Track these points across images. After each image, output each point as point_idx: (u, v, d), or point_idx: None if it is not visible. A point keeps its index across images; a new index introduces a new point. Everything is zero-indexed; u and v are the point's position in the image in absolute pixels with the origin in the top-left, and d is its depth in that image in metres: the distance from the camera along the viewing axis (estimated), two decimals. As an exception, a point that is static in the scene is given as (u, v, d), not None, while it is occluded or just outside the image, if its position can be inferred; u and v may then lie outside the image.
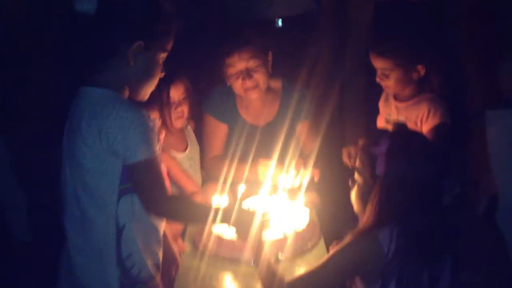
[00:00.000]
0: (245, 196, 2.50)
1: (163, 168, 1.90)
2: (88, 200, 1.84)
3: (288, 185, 2.52)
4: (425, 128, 2.51)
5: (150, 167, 1.81)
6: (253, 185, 2.65)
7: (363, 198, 1.89)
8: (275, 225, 2.27)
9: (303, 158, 2.69)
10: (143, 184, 1.82)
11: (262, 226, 1.96)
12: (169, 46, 1.94)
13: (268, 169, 2.63)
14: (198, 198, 2.67)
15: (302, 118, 2.89)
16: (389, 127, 2.60)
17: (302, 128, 2.91)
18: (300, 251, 2.28)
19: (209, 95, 2.91)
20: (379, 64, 2.56)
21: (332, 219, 2.52)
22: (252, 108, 2.88)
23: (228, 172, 2.73)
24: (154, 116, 2.43)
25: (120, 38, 1.84)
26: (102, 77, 1.86)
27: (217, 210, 1.89)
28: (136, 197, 1.85)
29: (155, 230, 1.95)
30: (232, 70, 2.70)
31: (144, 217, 1.88)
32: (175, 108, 2.68)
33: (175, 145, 2.80)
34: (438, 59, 2.62)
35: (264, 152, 2.81)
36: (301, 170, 2.57)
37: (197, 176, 2.88)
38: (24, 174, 3.39)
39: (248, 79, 2.69)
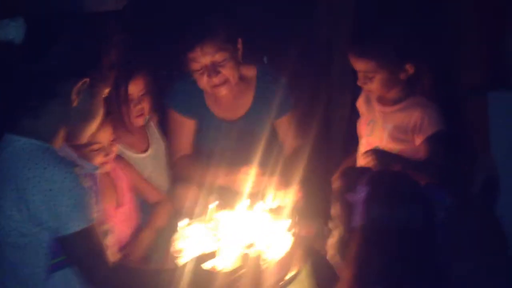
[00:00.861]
0: (220, 207, 2.24)
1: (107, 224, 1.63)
2: (12, 277, 1.57)
3: (267, 206, 2.23)
4: (419, 138, 2.19)
5: (86, 237, 1.53)
6: (228, 193, 2.39)
7: (340, 251, 1.62)
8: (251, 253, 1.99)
9: (284, 172, 2.38)
10: (78, 257, 1.55)
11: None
12: (113, 79, 1.66)
13: (250, 178, 2.35)
14: (166, 207, 2.44)
15: (281, 111, 2.55)
16: (373, 136, 2.30)
17: (281, 124, 2.59)
18: (281, 284, 1.97)
19: (173, 87, 2.56)
20: (360, 66, 2.19)
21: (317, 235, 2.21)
22: (222, 100, 2.53)
23: (200, 176, 2.46)
24: (107, 134, 2.13)
25: (63, 76, 1.53)
26: (32, 121, 1.55)
27: (171, 272, 1.65)
28: (72, 271, 1.58)
29: None
30: (195, 66, 2.33)
31: None
32: (135, 106, 2.43)
33: (135, 145, 2.52)
34: (428, 53, 2.25)
35: (238, 150, 2.52)
36: (282, 191, 2.29)
37: (163, 178, 2.60)
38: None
39: (215, 76, 2.33)
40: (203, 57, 2.30)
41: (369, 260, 1.52)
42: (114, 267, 1.59)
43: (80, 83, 1.54)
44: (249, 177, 2.36)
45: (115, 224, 2.17)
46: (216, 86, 2.37)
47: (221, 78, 2.35)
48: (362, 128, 2.37)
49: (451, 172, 2.24)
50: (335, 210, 1.62)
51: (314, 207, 2.41)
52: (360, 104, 2.43)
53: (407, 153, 2.20)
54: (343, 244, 1.60)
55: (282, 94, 2.53)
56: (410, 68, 2.17)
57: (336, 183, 1.63)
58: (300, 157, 2.49)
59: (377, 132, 2.29)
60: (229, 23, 2.36)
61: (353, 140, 2.46)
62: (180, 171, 2.59)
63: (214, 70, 2.32)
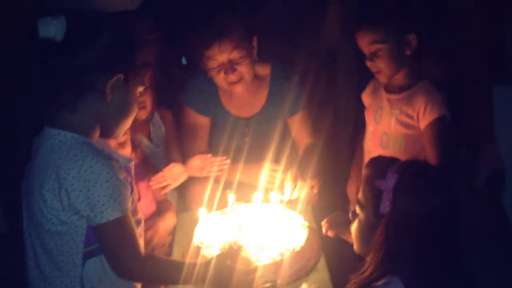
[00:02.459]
0: (237, 200, 2.31)
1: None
2: (49, 262, 1.62)
3: (284, 198, 2.29)
4: (423, 123, 2.26)
5: (118, 228, 1.57)
6: (246, 188, 2.45)
7: (364, 237, 1.66)
8: (270, 245, 2.03)
9: (300, 167, 2.42)
10: (111, 247, 1.59)
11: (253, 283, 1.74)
12: (147, 78, 1.72)
13: (268, 173, 2.42)
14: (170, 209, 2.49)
15: (295, 108, 2.60)
16: (381, 123, 2.37)
17: (294, 121, 2.63)
18: (299, 274, 2.02)
19: (188, 84, 2.61)
20: (366, 39, 2.25)
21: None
22: (236, 98, 2.59)
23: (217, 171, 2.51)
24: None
25: (98, 70, 1.57)
26: (69, 115, 1.60)
27: (198, 266, 1.67)
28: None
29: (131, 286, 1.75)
30: (212, 64, 2.38)
31: (116, 279, 1.65)
32: None
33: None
34: (430, 27, 2.36)
35: (253, 147, 2.57)
36: (298, 182, 2.33)
37: None
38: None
39: (231, 73, 2.38)
40: (220, 55, 2.35)
41: (394, 246, 1.55)
42: (145, 257, 1.63)
43: (114, 79, 1.58)
44: (267, 172, 2.41)
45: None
46: (232, 83, 2.42)
47: (238, 75, 2.40)
48: (370, 116, 2.44)
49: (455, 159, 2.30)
50: (363, 195, 1.66)
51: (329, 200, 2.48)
52: (365, 96, 2.51)
53: (414, 138, 2.28)
54: (369, 229, 1.64)
55: (295, 92, 2.58)
56: (413, 40, 2.23)
57: (365, 169, 1.67)
58: (314, 154, 2.54)
59: (385, 118, 2.35)
60: (245, 21, 2.42)
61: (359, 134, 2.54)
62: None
63: (231, 68, 2.37)
